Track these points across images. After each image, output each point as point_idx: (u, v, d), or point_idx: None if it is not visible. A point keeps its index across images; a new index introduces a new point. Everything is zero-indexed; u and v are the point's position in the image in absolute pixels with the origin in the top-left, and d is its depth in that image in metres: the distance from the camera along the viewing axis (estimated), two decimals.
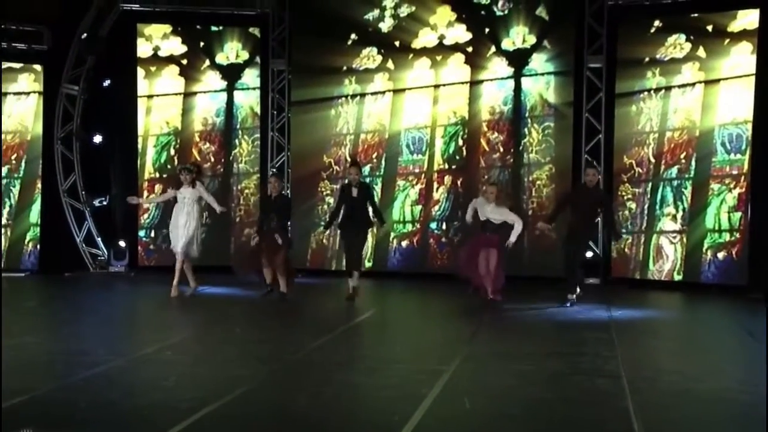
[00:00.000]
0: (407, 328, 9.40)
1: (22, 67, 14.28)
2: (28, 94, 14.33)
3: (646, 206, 12.55)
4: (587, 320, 9.12)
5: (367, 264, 13.79)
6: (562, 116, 12.96)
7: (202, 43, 14.26)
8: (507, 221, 10.18)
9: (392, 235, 13.75)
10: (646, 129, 12.58)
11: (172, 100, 14.31)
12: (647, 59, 12.50)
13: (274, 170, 13.84)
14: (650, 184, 12.53)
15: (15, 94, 14.30)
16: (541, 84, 13.10)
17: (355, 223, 10.43)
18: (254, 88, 14.29)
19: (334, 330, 8.09)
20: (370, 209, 10.70)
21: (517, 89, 13.20)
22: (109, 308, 10.59)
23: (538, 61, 13.08)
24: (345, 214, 10.49)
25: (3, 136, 14.16)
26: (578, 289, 10.24)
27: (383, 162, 13.86)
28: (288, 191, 13.81)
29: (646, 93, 12.57)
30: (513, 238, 10.16)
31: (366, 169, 13.90)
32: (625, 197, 12.68)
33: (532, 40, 13.07)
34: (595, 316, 9.45)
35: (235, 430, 4.37)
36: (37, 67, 14.23)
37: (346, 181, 10.69)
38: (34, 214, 14.19)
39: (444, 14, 13.45)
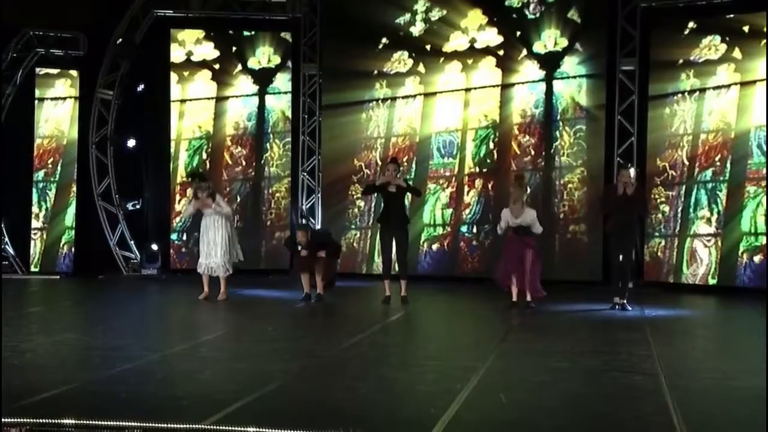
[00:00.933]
0: (440, 328, 9.39)
1: (59, 72, 14.52)
2: (64, 99, 14.56)
3: (679, 209, 12.42)
4: (621, 321, 9.03)
5: (397, 267, 13.77)
6: (594, 119, 12.89)
7: (234, 48, 14.39)
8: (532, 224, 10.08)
9: (423, 238, 13.73)
10: (679, 131, 12.46)
11: (205, 105, 14.45)
12: (681, 61, 12.40)
13: (303, 221, 13.71)
14: (684, 187, 12.40)
15: (52, 99, 14.55)
16: (573, 87, 13.05)
17: (394, 222, 10.36)
18: (285, 92, 14.38)
19: (368, 329, 8.09)
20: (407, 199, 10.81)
21: (549, 92, 13.15)
22: (143, 308, 10.69)
23: (570, 64, 13.02)
24: (384, 212, 10.48)
25: (40, 140, 14.42)
26: (626, 294, 10.04)
27: (414, 165, 13.86)
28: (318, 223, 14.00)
29: (679, 95, 12.46)
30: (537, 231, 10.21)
31: None
32: (659, 200, 12.55)
33: (563, 43, 13.02)
34: (628, 317, 9.35)
35: (271, 422, 4.36)
36: (74, 73, 14.47)
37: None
38: (69, 217, 14.39)
39: (475, 17, 13.45)
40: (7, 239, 14.29)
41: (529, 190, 11.87)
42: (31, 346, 6.90)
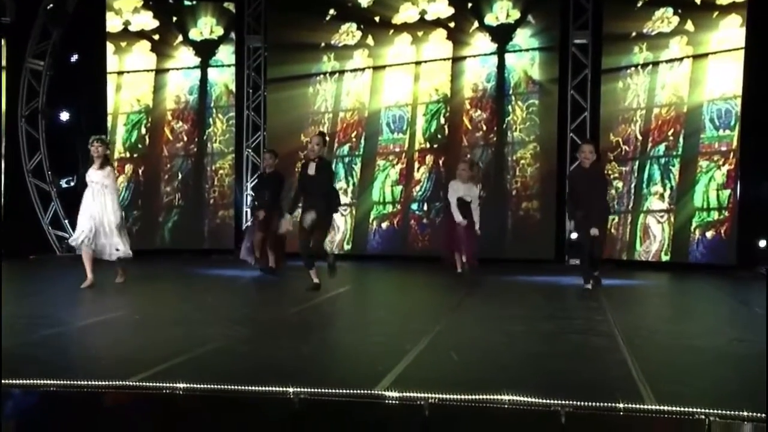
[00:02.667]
0: (391, 298, 9.23)
1: None
2: None
3: (632, 185, 12.44)
4: (576, 290, 8.94)
5: (346, 246, 13.60)
6: (547, 93, 12.82)
7: (174, 18, 13.97)
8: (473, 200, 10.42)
9: (372, 216, 13.52)
10: (633, 106, 12.46)
11: (143, 77, 14.00)
12: (634, 34, 12.40)
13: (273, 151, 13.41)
14: (637, 163, 12.41)
15: None
16: (526, 60, 12.96)
17: (312, 207, 8.45)
18: (229, 65, 14.01)
19: (313, 299, 7.83)
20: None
21: (501, 66, 13.04)
22: (71, 285, 10.22)
23: (523, 37, 12.93)
24: (302, 198, 8.79)
25: None
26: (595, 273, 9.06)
27: (363, 141, 13.64)
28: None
29: (633, 69, 12.46)
30: (476, 219, 10.52)
31: (345, 149, 13.70)
32: (612, 176, 12.52)
33: (516, 15, 12.93)
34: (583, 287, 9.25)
35: (205, 378, 4.06)
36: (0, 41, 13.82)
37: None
38: None
39: None
40: None
41: (479, 173, 11.81)
42: None
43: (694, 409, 3.65)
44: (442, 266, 10.84)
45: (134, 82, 13.96)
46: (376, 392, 3.86)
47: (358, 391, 3.84)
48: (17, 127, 13.73)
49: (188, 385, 3.87)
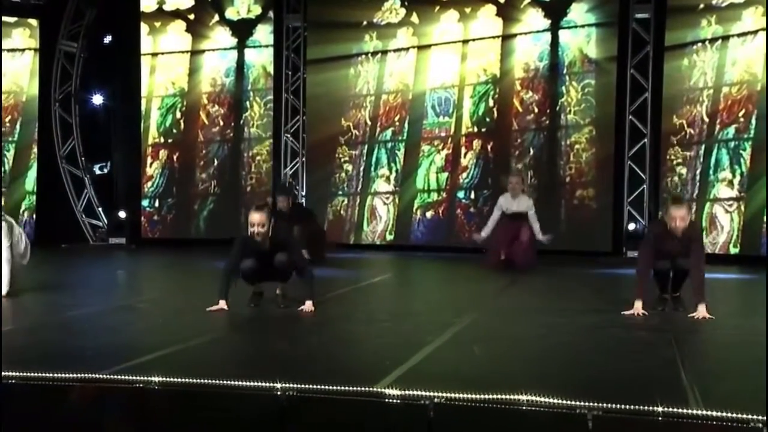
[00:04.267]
0: (427, 288, 8.82)
1: (16, 21, 13.86)
2: (22, 51, 13.93)
3: (698, 171, 11.74)
4: (633, 281, 8.33)
5: (389, 237, 13.23)
6: (605, 72, 12.21)
7: None
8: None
9: (416, 205, 13.11)
10: (699, 85, 11.77)
11: (178, 59, 13.82)
12: (701, 6, 11.69)
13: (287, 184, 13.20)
14: (703, 147, 11.71)
15: (9, 51, 13.88)
16: (581, 37, 12.37)
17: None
18: (267, 46, 13.72)
19: (343, 289, 7.47)
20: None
21: (554, 43, 12.48)
22: (92, 272, 10.07)
23: (578, 12, 12.35)
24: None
25: None
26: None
27: (406, 125, 13.23)
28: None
29: (699, 44, 11.76)
30: (538, 229, 9.97)
31: (388, 133, 13.32)
32: (675, 162, 11.88)
33: None
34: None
35: (185, 372, 3.68)
36: (33, 22, 13.83)
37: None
38: (30, 181, 13.81)
39: None
40: None
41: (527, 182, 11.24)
42: None
43: (750, 416, 3.17)
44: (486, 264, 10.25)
45: (169, 64, 13.81)
46: (374, 390, 3.46)
47: (353, 388, 3.44)
48: (50, 111, 13.69)
49: (164, 379, 3.53)
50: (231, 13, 13.74)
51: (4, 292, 6.59)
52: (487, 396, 3.36)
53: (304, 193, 13.69)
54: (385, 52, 13.32)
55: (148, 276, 9.30)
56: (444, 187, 13.02)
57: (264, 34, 13.74)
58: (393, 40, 13.27)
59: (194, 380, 3.51)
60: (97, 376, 3.55)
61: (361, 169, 13.37)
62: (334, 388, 3.44)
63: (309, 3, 13.61)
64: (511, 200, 10.01)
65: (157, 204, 13.75)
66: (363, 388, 3.45)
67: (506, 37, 12.72)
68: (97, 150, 13.89)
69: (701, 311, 5.87)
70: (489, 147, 12.76)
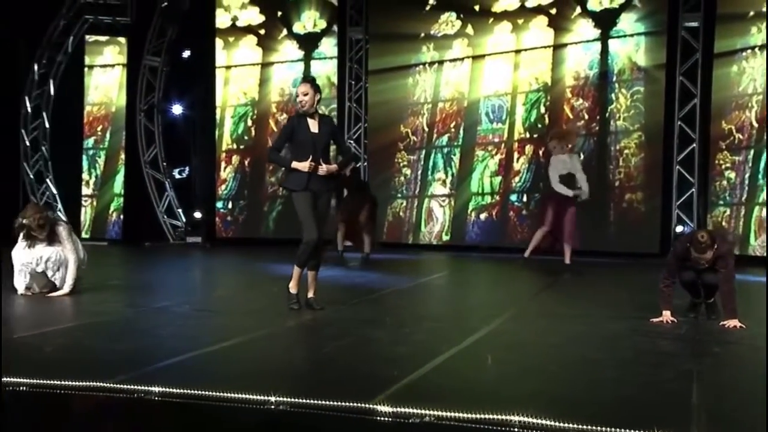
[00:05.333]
0: (463, 291, 8.44)
1: (107, 39, 14.08)
2: (113, 66, 14.12)
3: (747, 176, 11.07)
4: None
5: (444, 237, 12.92)
6: (654, 80, 11.63)
7: (279, 13, 13.68)
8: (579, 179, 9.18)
9: (471, 207, 12.76)
10: (748, 91, 11.08)
11: (250, 71, 13.79)
12: (752, 13, 11.01)
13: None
14: (752, 151, 11.03)
15: (101, 66, 14.11)
16: (630, 46, 11.81)
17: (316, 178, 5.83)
18: (331, 58, 13.57)
19: (377, 292, 7.21)
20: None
21: (604, 52, 11.96)
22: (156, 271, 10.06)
23: (628, 22, 11.80)
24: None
25: (90, 108, 14.06)
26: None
27: (462, 131, 12.89)
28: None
29: (749, 51, 11.06)
30: (584, 196, 9.23)
31: (444, 139, 13.00)
32: (724, 166, 11.23)
33: None
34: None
35: (185, 384, 3.46)
36: (122, 40, 14.01)
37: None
38: (118, 184, 14.00)
39: None
40: (60, 205, 13.99)
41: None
42: None
43: None
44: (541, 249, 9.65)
45: (241, 76, 13.79)
46: (364, 406, 3.19)
47: (344, 404, 3.19)
48: (136, 121, 13.83)
49: (164, 389, 3.34)
50: (298, 28, 13.63)
51: (67, 290, 6.59)
52: (477, 416, 3.07)
53: None
54: (441, 62, 13.00)
55: (210, 275, 9.25)
56: (497, 191, 12.64)
57: (329, 46, 13.59)
58: (449, 51, 12.94)
59: (189, 391, 3.31)
60: (93, 383, 3.39)
61: (419, 173, 13.10)
62: (325, 402, 3.20)
63: (370, 17, 13.40)
64: (563, 157, 9.20)
65: (230, 205, 13.76)
66: (354, 404, 3.19)
67: (557, 47, 12.25)
68: (177, 156, 13.99)
69: (732, 322, 5.41)
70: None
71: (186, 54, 13.90)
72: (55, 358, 4.13)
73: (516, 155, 12.52)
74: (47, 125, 14.23)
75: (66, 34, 13.95)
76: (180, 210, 13.96)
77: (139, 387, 3.35)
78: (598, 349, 4.73)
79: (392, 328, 5.26)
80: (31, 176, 14.08)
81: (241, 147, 13.76)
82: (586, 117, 12.06)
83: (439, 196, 12.98)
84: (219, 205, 13.80)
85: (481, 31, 12.71)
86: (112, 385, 3.37)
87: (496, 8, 12.59)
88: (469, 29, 12.80)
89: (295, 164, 5.81)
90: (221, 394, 3.26)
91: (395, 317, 5.70)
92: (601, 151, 11.99)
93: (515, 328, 5.39)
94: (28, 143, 14.20)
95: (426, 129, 13.05)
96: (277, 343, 4.75)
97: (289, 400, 3.22)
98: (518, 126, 12.51)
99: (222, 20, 13.71)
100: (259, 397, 3.24)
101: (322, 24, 13.59)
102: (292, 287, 5.95)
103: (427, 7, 13.01)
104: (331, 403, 3.19)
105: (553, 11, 12.26)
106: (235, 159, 13.75)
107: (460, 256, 12.02)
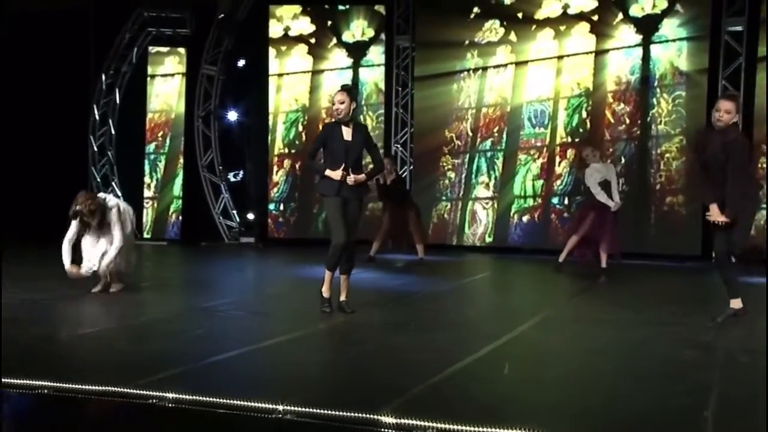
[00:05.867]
0: (500, 293, 8.26)
1: (168, 50, 14.27)
2: (173, 75, 14.31)
3: None
4: (710, 288, 7.49)
5: (488, 239, 12.72)
6: (695, 84, 11.23)
7: (329, 22, 13.64)
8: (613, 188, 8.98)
9: (513, 209, 12.54)
10: None
11: (301, 78, 13.80)
12: None
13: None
14: None
15: (162, 76, 14.32)
16: (672, 51, 11.43)
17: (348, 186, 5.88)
18: (379, 65, 13.48)
19: (411, 294, 7.10)
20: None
21: (646, 57, 11.59)
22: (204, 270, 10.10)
23: (670, 27, 11.42)
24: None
25: (151, 115, 14.27)
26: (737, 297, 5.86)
27: (505, 136, 12.66)
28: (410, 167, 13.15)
29: None
30: (615, 208, 8.93)
31: (487, 143, 12.79)
32: (766, 170, 10.77)
33: (663, 4, 11.44)
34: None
35: (196, 390, 3.42)
36: (181, 50, 14.17)
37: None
38: (177, 187, 14.16)
39: None
40: (119, 191, 14.23)
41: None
42: None
43: None
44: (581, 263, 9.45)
45: (292, 83, 13.81)
46: (369, 416, 3.10)
47: (348, 414, 3.10)
48: (193, 127, 13.98)
49: (178, 396, 3.30)
50: (347, 37, 13.59)
51: (103, 267, 6.56)
52: (480, 429, 2.95)
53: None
54: (485, 69, 12.79)
55: (257, 275, 9.26)
56: (539, 194, 12.39)
57: (376, 54, 13.51)
58: (492, 58, 12.73)
59: (200, 398, 3.26)
60: (108, 388, 3.37)
61: (463, 176, 12.92)
62: (329, 412, 3.12)
63: (417, 25, 13.25)
64: (599, 166, 9.02)
65: (281, 207, 13.80)
66: (357, 415, 3.10)
67: (599, 53, 11.93)
68: (232, 160, 14.08)
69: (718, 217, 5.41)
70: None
71: (241, 63, 13.98)
72: (82, 361, 4.15)
73: (558, 159, 12.25)
74: (113, 131, 14.51)
75: (131, 46, 14.19)
76: (234, 211, 14.06)
77: (154, 393, 3.32)
78: (619, 358, 4.55)
79: (416, 333, 5.16)
80: (98, 179, 14.37)
81: (292, 151, 13.78)
82: (627, 121, 11.72)
83: (483, 199, 12.79)
84: (271, 206, 13.86)
85: (524, 38, 12.47)
86: (127, 390, 3.34)
87: (539, 15, 12.33)
88: (513, 36, 12.57)
89: (328, 173, 5.84)
90: (230, 401, 3.21)
91: (422, 321, 5.60)
92: (642, 155, 11.64)
93: (538, 335, 5.22)
94: (95, 148, 14.50)
95: (470, 133, 12.88)
96: (301, 347, 4.69)
97: (295, 408, 3.15)
98: (560, 130, 12.24)
99: (275, 30, 13.76)
100: (267, 406, 3.18)
101: (370, 33, 13.51)
102: (324, 291, 5.92)
103: (472, 15, 12.82)
104: (335, 413, 3.11)
105: (595, 18, 11.94)
106: (286, 163, 13.78)
107: (502, 258, 11.83)
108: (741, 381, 4.05)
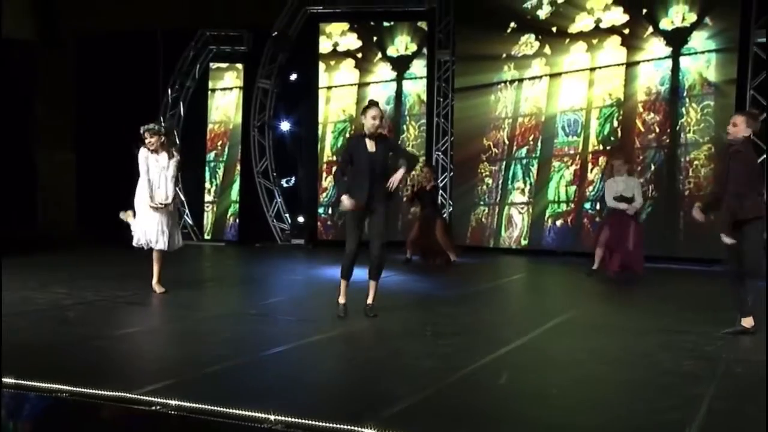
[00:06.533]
0: (520, 296, 8.09)
1: (227, 66, 14.43)
2: (231, 89, 14.46)
3: None
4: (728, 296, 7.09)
5: (523, 242, 12.49)
6: (724, 94, 10.80)
7: (375, 38, 13.59)
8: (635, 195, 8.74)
9: (548, 214, 12.28)
10: None
11: (348, 91, 13.79)
12: None
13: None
14: None
15: (222, 89, 14.49)
16: (701, 62, 11.01)
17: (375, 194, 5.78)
18: (421, 78, 13.37)
19: (435, 297, 6.98)
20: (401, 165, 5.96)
21: (675, 69, 11.20)
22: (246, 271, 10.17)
23: (699, 40, 11.00)
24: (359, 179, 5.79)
25: (212, 126, 14.46)
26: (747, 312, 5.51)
27: (539, 144, 12.40)
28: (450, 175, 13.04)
29: None
30: (631, 211, 8.85)
31: (523, 151, 12.56)
32: None
33: (692, 18, 11.02)
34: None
35: (199, 399, 3.37)
36: (239, 66, 14.31)
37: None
38: (234, 192, 14.30)
39: None
40: (187, 210, 14.46)
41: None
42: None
43: None
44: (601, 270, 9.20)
45: (340, 95, 13.81)
46: (351, 428, 3.02)
47: (333, 425, 3.04)
48: (249, 136, 14.11)
49: (179, 403, 3.29)
50: (392, 51, 13.52)
51: (165, 247, 6.68)
52: None
53: (451, 203, 13.23)
54: (521, 81, 12.56)
55: (300, 276, 9.25)
56: (572, 199, 12.10)
57: (419, 67, 13.40)
58: (528, 70, 12.49)
59: (198, 405, 3.24)
60: (115, 394, 3.38)
61: (500, 182, 12.72)
62: (316, 423, 3.06)
63: (457, 40, 13.09)
64: (618, 180, 8.97)
65: (330, 211, 13.82)
66: (341, 426, 3.04)
67: (630, 65, 11.58)
68: (284, 167, 14.14)
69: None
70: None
71: (293, 77, 14.03)
72: (104, 364, 4.18)
73: (590, 166, 11.95)
74: (178, 142, 14.70)
75: (194, 63, 14.38)
76: (287, 215, 14.13)
77: (158, 399, 3.31)
78: (619, 368, 4.37)
79: (428, 339, 5.06)
80: None
81: (340, 159, 13.76)
82: (657, 130, 11.35)
83: (518, 204, 12.57)
84: (320, 210, 13.90)
85: (558, 51, 12.19)
86: (133, 396, 3.34)
87: (572, 29, 12.05)
88: (547, 49, 12.30)
89: (343, 198, 5.74)
90: (225, 410, 3.18)
91: (438, 326, 5.49)
92: (671, 162, 11.25)
93: (547, 342, 5.06)
94: None
95: (506, 142, 12.67)
96: (311, 353, 4.64)
97: (284, 419, 3.10)
98: (592, 139, 11.94)
99: (324, 46, 13.79)
100: (259, 415, 3.14)
101: (413, 47, 13.42)
102: (340, 298, 5.88)
103: (508, 30, 12.60)
104: (321, 423, 3.05)
105: (626, 31, 11.60)
106: (334, 169, 13.75)
107: (536, 260, 11.60)
108: (734, 395, 3.83)
